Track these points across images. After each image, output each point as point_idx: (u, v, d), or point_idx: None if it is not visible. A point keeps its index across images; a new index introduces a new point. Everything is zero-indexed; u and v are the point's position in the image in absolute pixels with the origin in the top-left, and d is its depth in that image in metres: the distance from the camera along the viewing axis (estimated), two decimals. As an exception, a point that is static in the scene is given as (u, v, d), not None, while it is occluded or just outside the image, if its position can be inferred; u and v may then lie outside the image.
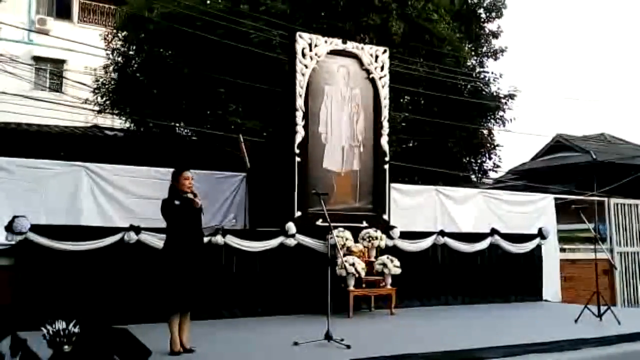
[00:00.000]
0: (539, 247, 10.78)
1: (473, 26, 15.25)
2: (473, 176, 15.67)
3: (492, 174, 16.38)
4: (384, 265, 8.55)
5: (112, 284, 7.15)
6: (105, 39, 13.81)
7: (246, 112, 11.66)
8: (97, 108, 13.71)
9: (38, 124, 14.30)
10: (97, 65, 14.55)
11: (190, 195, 5.63)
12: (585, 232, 10.87)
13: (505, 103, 14.79)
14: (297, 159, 8.74)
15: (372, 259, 8.73)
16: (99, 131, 14.93)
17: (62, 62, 18.71)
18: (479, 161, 15.17)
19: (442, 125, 13.46)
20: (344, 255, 8.25)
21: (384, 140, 9.55)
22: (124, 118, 13.85)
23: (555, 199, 12.86)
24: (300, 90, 8.87)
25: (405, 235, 9.36)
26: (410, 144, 14.32)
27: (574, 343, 6.21)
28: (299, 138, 8.79)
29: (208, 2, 12.91)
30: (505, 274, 10.29)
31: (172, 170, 5.89)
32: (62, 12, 19.81)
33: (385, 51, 9.77)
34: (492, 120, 14.94)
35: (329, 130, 9.17)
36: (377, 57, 9.64)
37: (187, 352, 5.48)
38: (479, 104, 14.36)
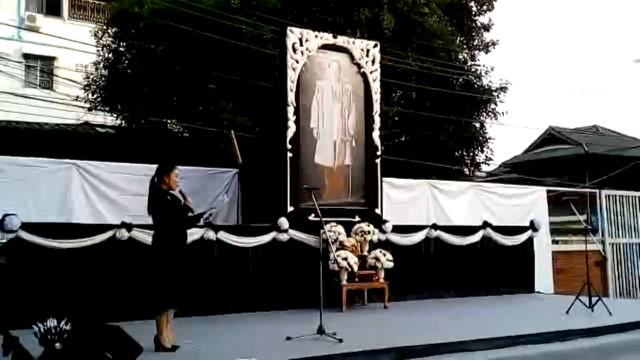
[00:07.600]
0: (530, 239, 10.82)
1: (464, 19, 15.27)
2: (465, 169, 15.71)
3: (484, 167, 16.48)
4: (377, 259, 8.57)
5: (104, 282, 7.14)
6: (95, 35, 13.72)
7: (238, 108, 11.64)
8: (88, 105, 13.63)
9: (28, 121, 14.23)
10: (88, 62, 14.49)
11: (176, 193, 5.61)
12: (577, 223, 10.92)
13: (497, 96, 14.84)
14: (289, 154, 8.73)
15: (365, 253, 8.75)
16: (90, 128, 14.87)
17: (53, 59, 18.61)
18: (471, 154, 15.22)
19: (434, 119, 13.48)
20: (337, 249, 8.27)
21: (376, 135, 9.55)
22: (115, 115, 13.78)
23: (548, 191, 12.93)
24: (292, 85, 8.86)
25: (397, 229, 9.38)
26: (403, 138, 14.33)
27: (564, 334, 6.25)
28: (290, 133, 8.78)
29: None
30: (497, 267, 10.33)
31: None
32: (52, 8, 19.67)
33: (376, 45, 9.76)
34: (484, 114, 14.99)
35: (321, 125, 9.16)
36: (368, 51, 9.62)
37: (174, 349, 5.48)
38: (471, 97, 14.39)
